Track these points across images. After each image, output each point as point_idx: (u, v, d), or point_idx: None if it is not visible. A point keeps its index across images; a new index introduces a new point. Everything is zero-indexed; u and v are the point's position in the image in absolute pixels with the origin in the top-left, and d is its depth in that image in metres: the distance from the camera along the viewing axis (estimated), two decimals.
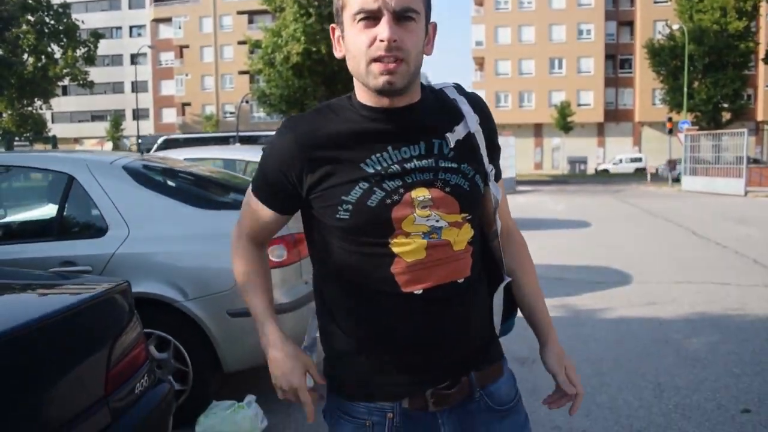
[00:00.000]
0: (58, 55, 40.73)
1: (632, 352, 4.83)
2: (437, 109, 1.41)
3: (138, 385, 2.06)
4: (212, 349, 3.53)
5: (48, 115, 48.63)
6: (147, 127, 57.12)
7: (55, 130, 53.30)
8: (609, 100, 56.49)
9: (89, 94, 54.82)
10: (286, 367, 1.42)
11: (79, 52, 41.17)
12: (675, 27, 37.45)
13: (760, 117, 49.45)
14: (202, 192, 4.26)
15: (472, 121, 1.41)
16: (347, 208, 1.31)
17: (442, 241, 1.34)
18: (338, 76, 32.99)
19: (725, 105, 37.35)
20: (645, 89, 52.86)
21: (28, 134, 39.58)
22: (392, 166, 1.33)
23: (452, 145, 1.37)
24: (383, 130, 1.35)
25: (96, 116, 63.07)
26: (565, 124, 51.18)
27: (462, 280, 1.38)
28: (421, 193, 1.32)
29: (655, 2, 51.46)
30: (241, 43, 53.72)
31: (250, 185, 1.48)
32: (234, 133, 18.21)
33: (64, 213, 3.72)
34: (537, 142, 57.34)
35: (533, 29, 55.31)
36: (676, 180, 29.52)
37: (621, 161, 51.39)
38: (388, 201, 1.31)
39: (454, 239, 1.36)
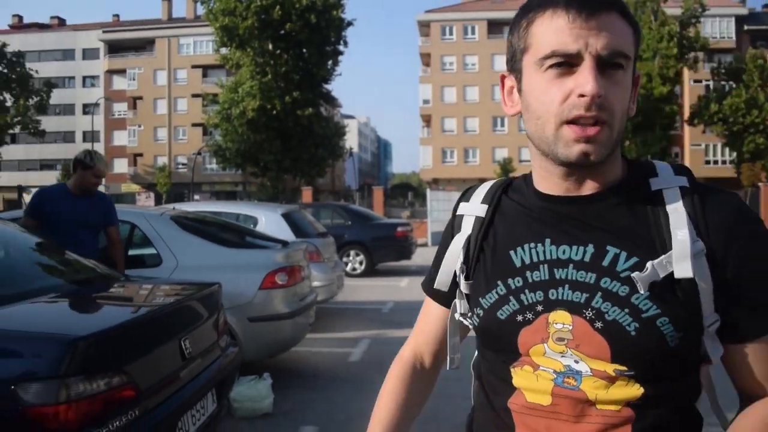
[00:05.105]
0: (9, 104, 40.94)
1: None
2: (631, 211, 0.97)
3: (227, 339, 3.61)
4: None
5: None
6: None
7: (2, 178, 53.31)
8: None
9: (39, 142, 55.15)
10: None
11: (31, 102, 41.35)
12: None
13: None
14: (225, 235, 5.77)
15: (681, 255, 0.91)
16: (479, 313, 1.07)
17: (577, 392, 0.96)
18: (293, 131, 34.23)
19: None
20: None
21: None
22: (539, 267, 0.99)
23: (643, 289, 0.92)
24: (548, 216, 1.02)
25: (45, 165, 63.06)
26: None
27: None
28: (560, 320, 0.96)
29: None
30: (195, 96, 54.98)
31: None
32: None
33: (130, 250, 5.21)
34: None
35: (477, 89, 57.65)
36: None
37: None
38: (519, 318, 1.00)
39: (596, 395, 0.95)
